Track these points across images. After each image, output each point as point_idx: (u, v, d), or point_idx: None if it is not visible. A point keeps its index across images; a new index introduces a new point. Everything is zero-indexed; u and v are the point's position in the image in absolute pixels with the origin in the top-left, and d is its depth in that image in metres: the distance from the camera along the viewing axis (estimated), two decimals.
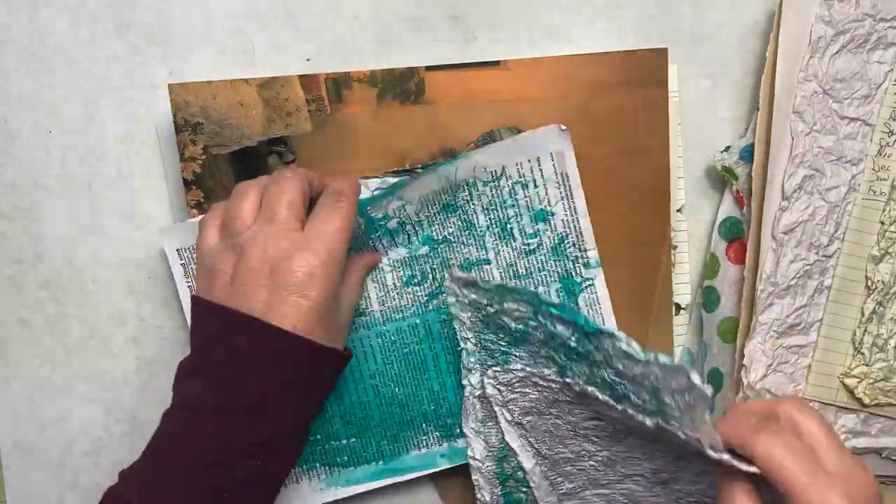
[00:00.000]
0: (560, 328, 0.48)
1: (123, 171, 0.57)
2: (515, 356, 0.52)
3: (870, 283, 0.54)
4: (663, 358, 0.42)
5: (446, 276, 0.52)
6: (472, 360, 0.53)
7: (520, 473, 0.55)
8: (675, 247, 0.57)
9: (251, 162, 0.54)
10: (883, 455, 0.55)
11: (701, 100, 0.58)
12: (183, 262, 0.54)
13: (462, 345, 0.53)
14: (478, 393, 0.54)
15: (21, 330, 0.58)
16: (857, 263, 0.54)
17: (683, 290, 0.58)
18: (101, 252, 0.58)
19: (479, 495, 0.56)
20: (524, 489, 0.55)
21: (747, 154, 0.55)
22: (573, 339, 0.47)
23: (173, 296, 0.58)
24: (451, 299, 0.52)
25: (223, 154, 0.54)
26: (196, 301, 0.47)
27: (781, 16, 0.53)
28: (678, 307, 0.58)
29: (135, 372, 0.59)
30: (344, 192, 0.48)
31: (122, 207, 0.58)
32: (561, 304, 0.47)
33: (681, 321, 0.58)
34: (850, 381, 0.54)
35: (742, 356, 0.54)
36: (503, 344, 0.52)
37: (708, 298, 0.57)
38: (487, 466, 0.55)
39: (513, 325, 0.50)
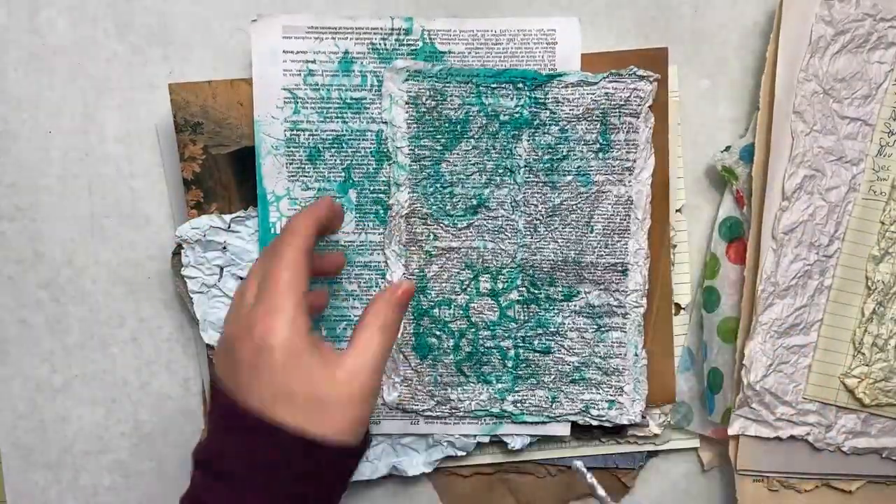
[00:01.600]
0: (504, 100, 0.52)
1: (123, 171, 0.57)
2: (448, 162, 0.53)
3: (870, 283, 0.54)
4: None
5: (384, 74, 0.53)
6: (402, 174, 0.53)
7: (435, 311, 0.55)
8: (675, 246, 0.57)
9: (251, 162, 0.54)
10: (883, 455, 0.55)
11: (701, 100, 0.57)
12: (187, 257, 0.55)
13: (393, 158, 0.53)
14: (404, 212, 0.54)
15: (21, 330, 0.58)
16: (857, 263, 0.54)
17: (683, 290, 0.58)
18: (101, 252, 0.58)
19: None
20: (437, 332, 0.55)
21: (747, 154, 0.55)
22: (519, 105, 0.52)
23: (173, 296, 0.58)
24: (386, 103, 0.53)
25: (223, 154, 0.54)
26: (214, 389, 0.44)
27: (781, 16, 0.53)
28: (678, 307, 0.58)
29: (135, 372, 0.59)
30: (289, 226, 0.44)
31: (122, 207, 0.58)
32: (507, 69, 0.52)
33: (681, 321, 0.58)
34: (850, 382, 0.54)
35: (742, 356, 0.54)
36: (438, 148, 0.53)
37: (708, 298, 0.57)
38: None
39: (453, 114, 0.52)
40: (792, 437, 0.55)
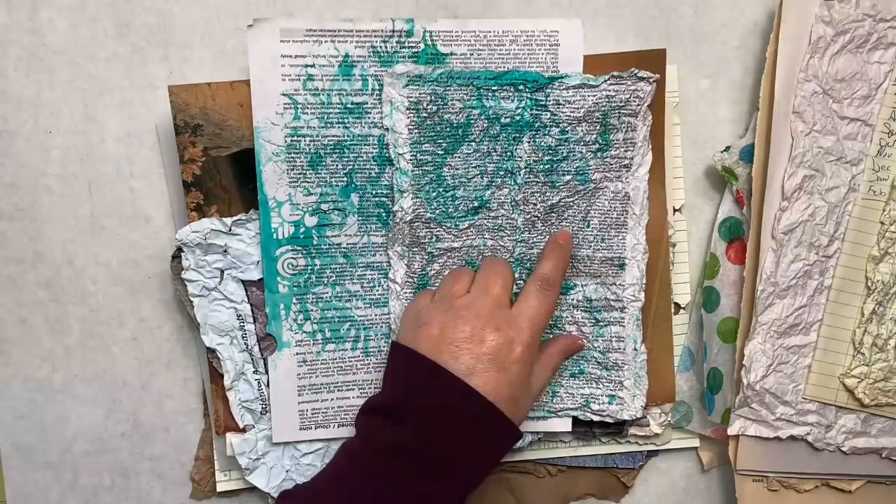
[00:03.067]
0: (505, 103, 0.52)
1: (123, 171, 0.57)
2: (450, 166, 0.53)
3: (870, 284, 0.54)
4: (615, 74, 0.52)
5: (384, 80, 0.52)
6: (405, 180, 0.53)
7: None
8: (675, 245, 0.57)
9: (251, 164, 0.54)
10: (883, 455, 0.55)
11: (701, 100, 0.57)
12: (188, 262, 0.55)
13: (395, 164, 0.53)
14: (408, 218, 0.54)
15: (21, 330, 0.58)
16: (857, 263, 0.54)
17: (683, 289, 0.58)
18: (101, 252, 0.58)
19: (393, 325, 0.55)
20: None
21: (747, 154, 0.55)
22: (520, 108, 0.52)
23: (173, 296, 0.58)
24: (387, 109, 0.53)
25: (223, 156, 0.54)
26: (399, 347, 0.50)
27: (781, 16, 0.53)
28: (678, 307, 0.58)
29: (135, 372, 0.59)
30: (552, 281, 0.51)
31: (122, 207, 0.58)
32: (508, 71, 0.53)
33: (681, 321, 0.58)
34: (850, 382, 0.54)
35: (742, 356, 0.54)
36: (440, 152, 0.53)
37: (708, 298, 0.57)
38: (406, 294, 0.55)
39: (454, 118, 0.52)
40: (792, 437, 0.55)
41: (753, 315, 0.54)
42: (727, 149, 0.56)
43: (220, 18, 0.57)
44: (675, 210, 0.57)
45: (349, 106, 0.53)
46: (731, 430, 0.55)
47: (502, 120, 0.53)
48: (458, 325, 0.48)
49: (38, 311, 0.58)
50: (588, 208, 0.54)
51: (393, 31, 0.53)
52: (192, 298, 0.55)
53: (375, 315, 0.55)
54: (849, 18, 0.53)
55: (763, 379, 0.54)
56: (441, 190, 0.53)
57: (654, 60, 0.54)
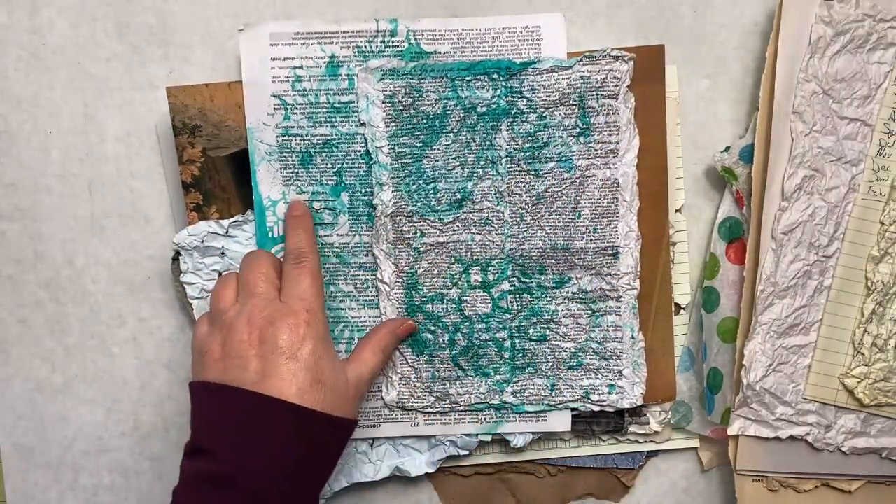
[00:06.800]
0: (480, 92, 0.53)
1: (123, 171, 0.58)
2: (429, 158, 0.53)
3: (869, 284, 0.54)
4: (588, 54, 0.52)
5: (359, 75, 0.53)
6: (384, 174, 0.53)
7: (428, 307, 0.55)
8: (675, 244, 0.57)
9: (249, 164, 0.54)
10: (883, 455, 0.55)
11: (701, 100, 0.57)
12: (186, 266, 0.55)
13: (374, 157, 0.53)
14: (389, 211, 0.54)
15: (21, 330, 0.58)
16: (856, 264, 0.54)
17: (683, 289, 0.58)
18: (101, 252, 0.58)
19: None
20: (432, 328, 0.55)
21: (747, 154, 0.55)
22: (495, 96, 0.52)
23: (173, 296, 0.58)
24: (363, 103, 0.53)
25: (221, 156, 0.54)
26: (192, 386, 0.48)
27: (781, 16, 0.53)
28: (678, 307, 0.58)
29: (135, 372, 0.59)
30: (301, 251, 0.51)
31: (122, 207, 0.58)
32: (480, 60, 0.53)
33: (681, 321, 0.58)
34: (849, 382, 0.54)
35: (742, 356, 0.54)
36: (418, 144, 0.53)
37: (708, 298, 0.57)
38: (396, 294, 0.55)
39: (431, 110, 0.52)
40: (791, 437, 0.55)
41: (753, 315, 0.54)
42: (727, 149, 0.56)
43: (220, 19, 0.57)
44: (675, 210, 0.57)
45: (336, 105, 0.53)
46: (731, 431, 0.55)
47: (479, 109, 0.53)
48: (234, 337, 0.47)
49: (38, 311, 0.58)
50: (577, 198, 0.54)
51: (377, 31, 0.53)
52: (191, 301, 0.55)
53: (368, 317, 0.55)
54: (849, 18, 0.53)
55: (763, 379, 0.54)
56: (422, 182, 0.54)
57: (651, 56, 0.54)
